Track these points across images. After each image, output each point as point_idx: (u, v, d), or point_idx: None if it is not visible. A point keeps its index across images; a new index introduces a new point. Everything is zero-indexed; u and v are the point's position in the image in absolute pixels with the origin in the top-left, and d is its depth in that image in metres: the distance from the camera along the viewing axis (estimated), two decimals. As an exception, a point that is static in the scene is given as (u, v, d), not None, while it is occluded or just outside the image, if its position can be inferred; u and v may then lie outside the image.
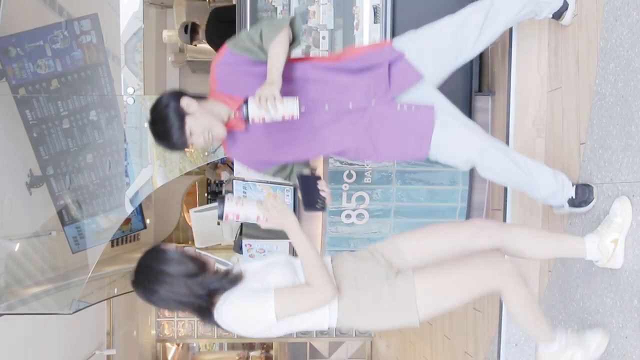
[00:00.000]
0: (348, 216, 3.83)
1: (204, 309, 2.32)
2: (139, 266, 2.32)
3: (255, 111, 2.43)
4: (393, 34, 3.61)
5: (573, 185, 2.89)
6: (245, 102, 2.45)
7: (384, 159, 3.02)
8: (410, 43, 2.79)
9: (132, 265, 2.33)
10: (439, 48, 2.78)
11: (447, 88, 3.71)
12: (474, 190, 3.88)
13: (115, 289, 6.31)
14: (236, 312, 2.27)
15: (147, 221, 8.57)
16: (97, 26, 5.83)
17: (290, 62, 2.70)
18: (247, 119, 2.45)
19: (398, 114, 2.74)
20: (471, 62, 3.66)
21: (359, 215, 3.84)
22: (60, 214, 5.64)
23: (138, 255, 2.34)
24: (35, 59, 5.44)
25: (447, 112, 2.79)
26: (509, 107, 3.55)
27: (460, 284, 2.43)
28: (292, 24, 2.65)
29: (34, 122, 5.46)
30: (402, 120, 2.74)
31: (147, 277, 2.29)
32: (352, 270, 2.45)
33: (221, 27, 5.91)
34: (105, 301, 7.34)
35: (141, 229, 8.38)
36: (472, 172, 3.80)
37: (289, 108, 2.45)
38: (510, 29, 3.52)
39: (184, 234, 9.71)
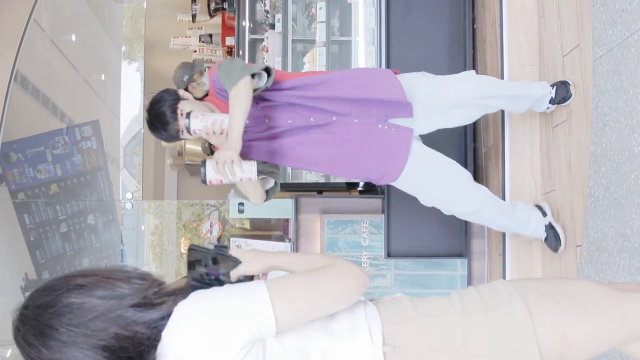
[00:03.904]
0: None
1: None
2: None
3: (212, 175, 2.49)
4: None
5: None
6: (203, 163, 2.50)
7: (355, 177, 3.06)
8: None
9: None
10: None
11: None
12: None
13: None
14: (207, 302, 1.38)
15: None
16: (98, 132, 5.96)
17: (282, 80, 2.81)
18: (204, 181, 2.51)
19: (378, 132, 2.85)
20: (465, 166, 3.72)
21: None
22: (54, 318, 5.55)
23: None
24: (35, 164, 5.52)
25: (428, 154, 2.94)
26: (504, 209, 3.58)
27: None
28: (267, 72, 2.70)
29: (32, 226, 5.47)
30: (381, 138, 2.85)
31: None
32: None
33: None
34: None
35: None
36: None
37: (247, 172, 2.50)
38: (503, 134, 3.60)
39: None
